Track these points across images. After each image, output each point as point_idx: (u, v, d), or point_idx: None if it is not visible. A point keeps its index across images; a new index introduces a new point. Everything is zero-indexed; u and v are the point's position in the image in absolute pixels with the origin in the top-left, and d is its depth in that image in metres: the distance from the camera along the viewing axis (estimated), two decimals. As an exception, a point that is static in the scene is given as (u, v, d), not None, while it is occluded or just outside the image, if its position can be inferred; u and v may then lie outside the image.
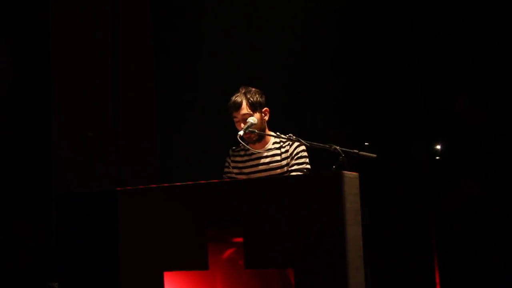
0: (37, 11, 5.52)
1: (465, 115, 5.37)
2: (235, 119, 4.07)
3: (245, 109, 4.01)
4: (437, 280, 5.25)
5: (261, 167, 4.08)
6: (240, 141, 3.88)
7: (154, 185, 3.33)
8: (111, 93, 5.60)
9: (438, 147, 5.49)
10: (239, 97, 4.04)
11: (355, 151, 3.50)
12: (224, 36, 5.77)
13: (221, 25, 5.78)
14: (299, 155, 4.03)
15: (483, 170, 5.33)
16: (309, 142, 3.69)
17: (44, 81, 5.47)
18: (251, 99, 4.02)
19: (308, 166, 4.03)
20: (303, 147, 4.03)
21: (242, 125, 4.00)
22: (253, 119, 3.99)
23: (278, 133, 4.08)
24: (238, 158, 4.17)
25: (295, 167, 4.00)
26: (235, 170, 4.16)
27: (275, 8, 5.70)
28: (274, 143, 4.11)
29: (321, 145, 3.56)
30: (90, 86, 5.53)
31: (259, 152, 4.09)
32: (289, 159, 4.04)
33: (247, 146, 4.02)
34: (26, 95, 5.43)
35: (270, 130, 4.16)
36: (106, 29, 5.65)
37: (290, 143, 4.05)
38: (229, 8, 5.78)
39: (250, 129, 3.96)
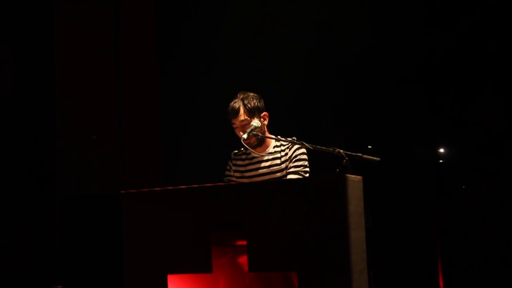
0: (41, 13, 5.53)
1: (469, 119, 5.37)
2: (234, 125, 4.03)
3: (243, 115, 3.98)
4: (441, 284, 5.24)
5: (261, 171, 4.06)
6: (245, 145, 3.86)
7: (158, 188, 3.34)
8: (115, 96, 5.61)
9: (442, 150, 5.49)
10: (236, 104, 4.00)
11: (359, 154, 3.50)
12: (228, 38, 5.78)
13: (225, 27, 5.80)
14: (297, 157, 3.98)
15: (487, 174, 5.32)
16: (313, 145, 3.68)
17: (48, 83, 5.47)
18: (249, 105, 3.98)
19: (307, 169, 3.99)
20: (302, 150, 3.99)
21: (241, 132, 3.96)
22: (257, 123, 3.96)
23: (278, 137, 4.04)
24: (239, 162, 4.16)
25: (292, 169, 3.97)
26: (237, 174, 4.14)
27: (278, 12, 5.71)
28: (275, 146, 4.09)
29: (325, 148, 3.56)
30: (94, 89, 5.54)
31: (260, 156, 4.07)
32: (288, 162, 4.02)
33: (250, 150, 4.01)
34: (30, 97, 5.43)
35: (271, 133, 4.13)
36: (110, 32, 5.67)
37: (290, 146, 4.02)
38: (233, 10, 5.79)
39: (254, 133, 3.94)
